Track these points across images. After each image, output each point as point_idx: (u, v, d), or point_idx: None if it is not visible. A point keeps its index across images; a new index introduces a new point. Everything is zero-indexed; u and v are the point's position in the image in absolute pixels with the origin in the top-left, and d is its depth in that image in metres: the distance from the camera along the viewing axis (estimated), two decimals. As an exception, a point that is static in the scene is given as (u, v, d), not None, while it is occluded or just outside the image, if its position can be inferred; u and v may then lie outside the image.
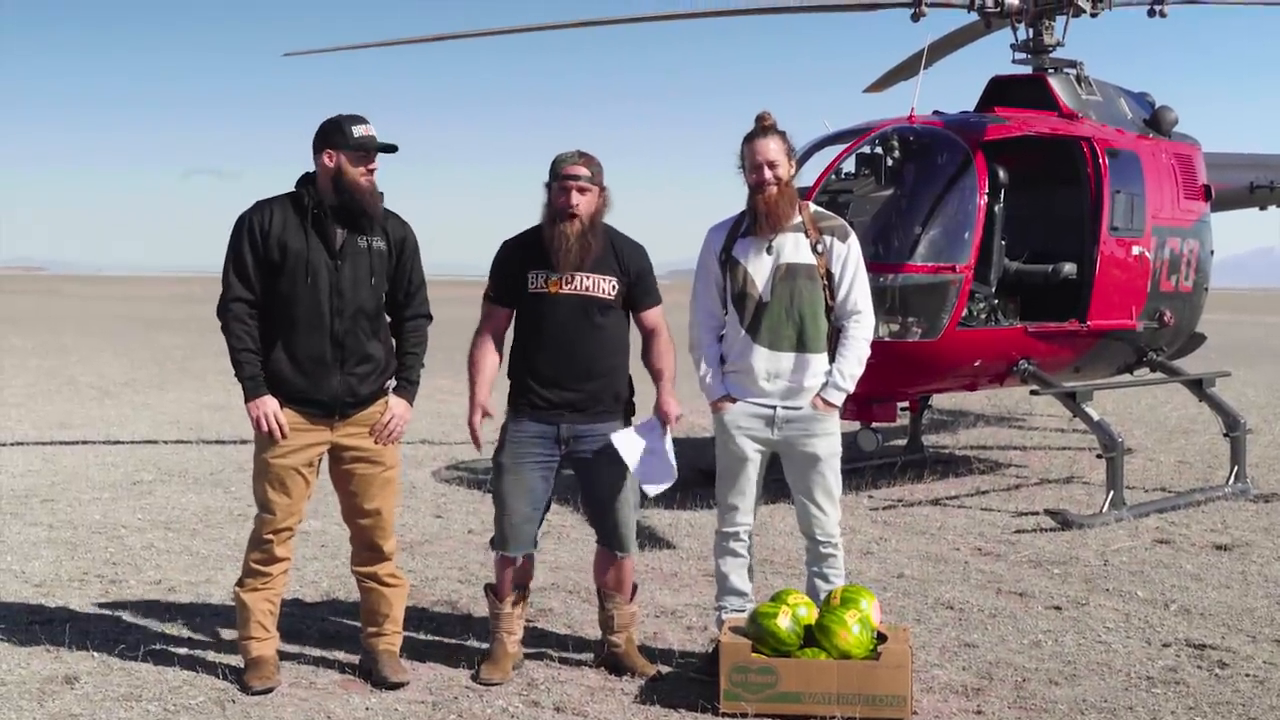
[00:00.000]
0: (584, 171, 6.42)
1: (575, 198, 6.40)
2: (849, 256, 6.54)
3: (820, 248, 6.51)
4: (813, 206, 6.78)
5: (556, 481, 6.69)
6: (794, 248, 6.51)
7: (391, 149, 6.38)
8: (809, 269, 6.49)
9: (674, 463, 6.63)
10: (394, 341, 6.56)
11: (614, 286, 6.51)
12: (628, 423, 6.65)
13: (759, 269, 6.52)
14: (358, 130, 6.28)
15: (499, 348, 6.69)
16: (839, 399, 6.55)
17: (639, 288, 6.60)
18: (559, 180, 6.44)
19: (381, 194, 6.43)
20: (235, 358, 6.29)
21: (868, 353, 6.61)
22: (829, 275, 6.52)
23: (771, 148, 6.49)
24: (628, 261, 6.56)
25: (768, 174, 6.47)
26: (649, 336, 6.67)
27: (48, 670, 6.54)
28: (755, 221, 6.54)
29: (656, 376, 6.65)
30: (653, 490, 6.67)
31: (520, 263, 6.56)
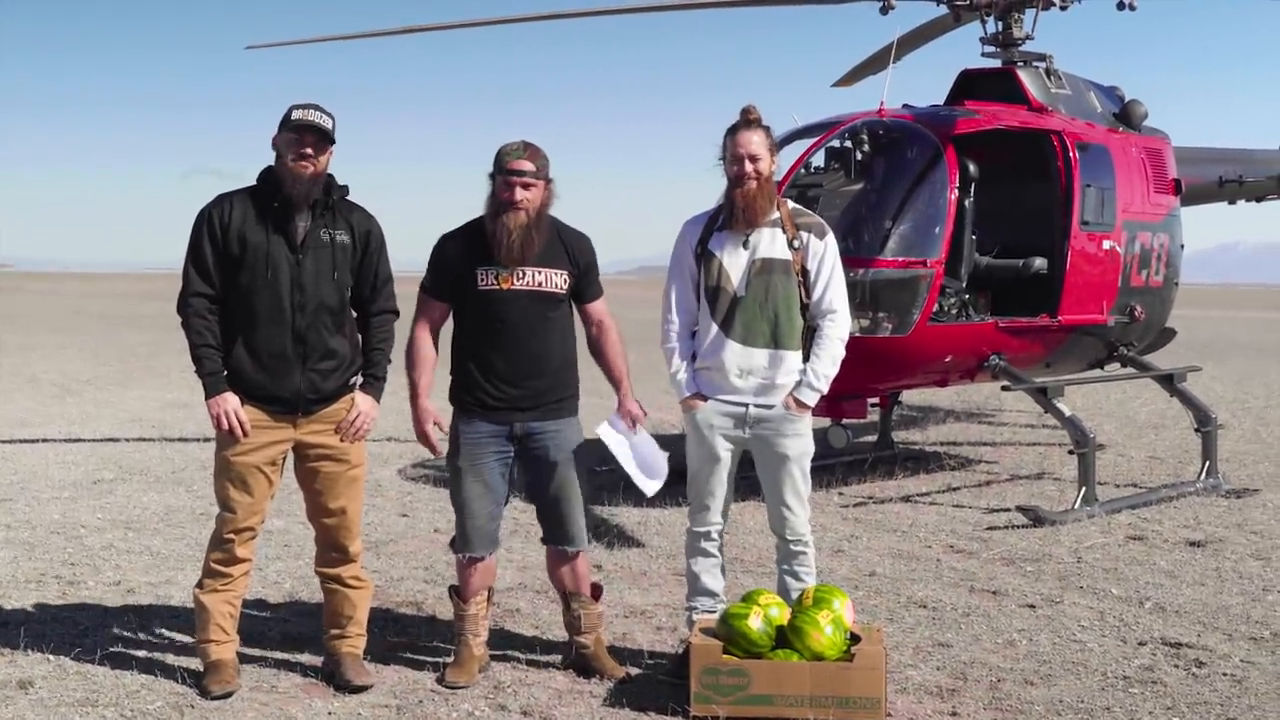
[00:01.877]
0: (529, 166, 6.26)
1: (520, 193, 6.25)
2: (826, 254, 6.45)
3: (797, 244, 6.42)
4: (790, 203, 6.68)
5: (517, 478, 6.59)
6: (770, 243, 6.41)
7: (326, 134, 6.14)
8: (785, 264, 6.40)
9: (663, 458, 6.60)
10: (359, 337, 6.43)
11: (565, 280, 6.40)
12: (574, 415, 6.55)
13: (734, 263, 6.41)
14: (297, 114, 6.15)
15: (436, 342, 6.54)
16: (812, 399, 6.45)
17: (585, 279, 6.51)
18: (504, 175, 6.28)
19: (345, 188, 6.30)
20: (195, 354, 6.17)
21: (842, 353, 6.51)
22: (805, 272, 6.43)
23: (755, 141, 6.39)
24: (577, 254, 6.46)
25: (748, 168, 6.37)
26: (598, 330, 6.57)
27: (1, 674, 6.38)
28: (732, 215, 6.44)
29: (615, 380, 6.56)
30: (651, 488, 6.58)
31: (465, 258, 6.39)
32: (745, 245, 6.42)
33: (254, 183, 6.29)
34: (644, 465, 6.62)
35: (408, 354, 6.51)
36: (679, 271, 6.62)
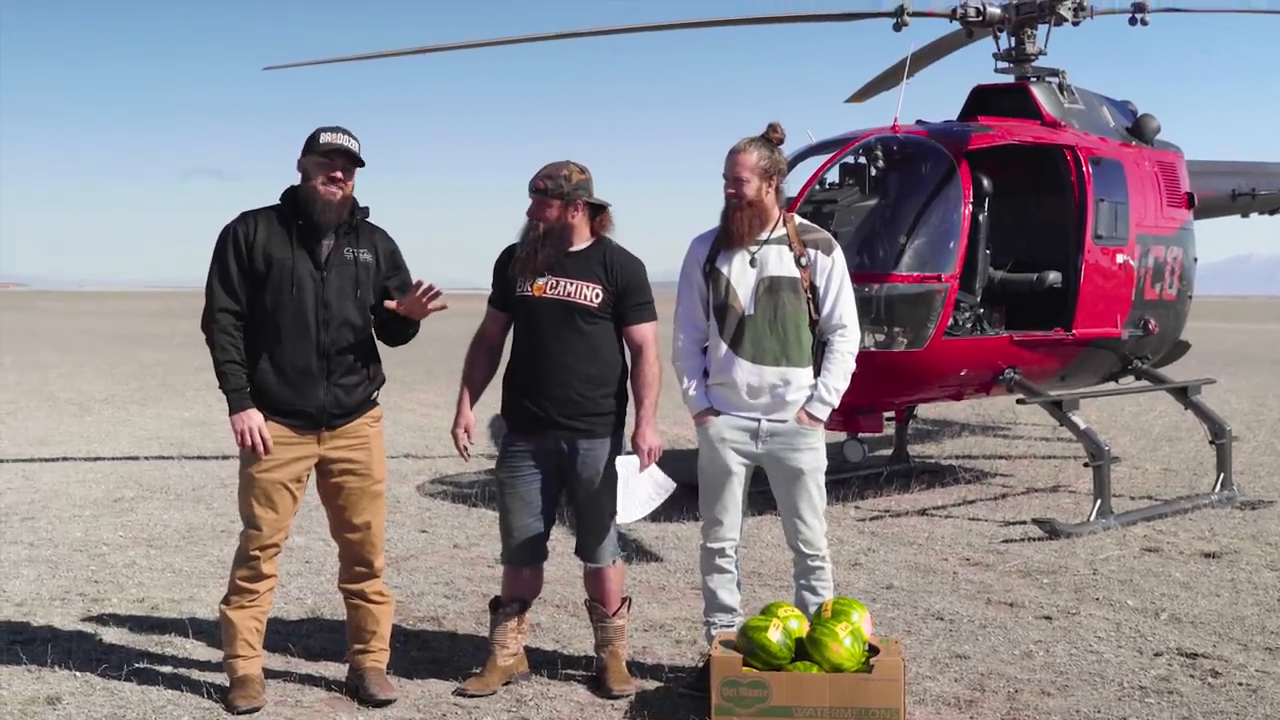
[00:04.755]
0: (541, 185, 6.46)
1: (535, 210, 6.47)
2: (833, 270, 6.49)
3: (804, 261, 6.46)
4: (797, 218, 6.70)
5: (559, 490, 6.65)
6: (778, 260, 6.46)
7: (355, 157, 6.27)
8: (793, 282, 6.45)
9: (653, 492, 6.61)
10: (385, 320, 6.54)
11: (598, 295, 6.45)
12: (618, 438, 6.61)
13: (742, 282, 6.47)
14: (325, 137, 6.22)
15: (493, 353, 6.74)
16: (824, 413, 6.51)
17: (626, 302, 6.53)
18: (530, 194, 6.51)
19: (366, 209, 6.39)
20: (221, 369, 6.21)
21: (853, 367, 6.56)
22: (813, 289, 6.47)
23: (745, 163, 6.42)
24: (616, 273, 6.51)
25: (732, 190, 6.45)
26: (635, 355, 6.60)
27: (29, 691, 6.45)
28: (724, 233, 6.53)
29: (637, 404, 6.60)
30: (627, 516, 6.61)
31: (511, 265, 6.60)
32: (752, 264, 6.47)
33: (278, 202, 6.35)
34: (631, 494, 6.60)
35: (463, 368, 6.75)
36: (688, 288, 6.68)
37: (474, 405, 6.70)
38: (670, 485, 6.69)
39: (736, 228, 6.46)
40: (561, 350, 6.44)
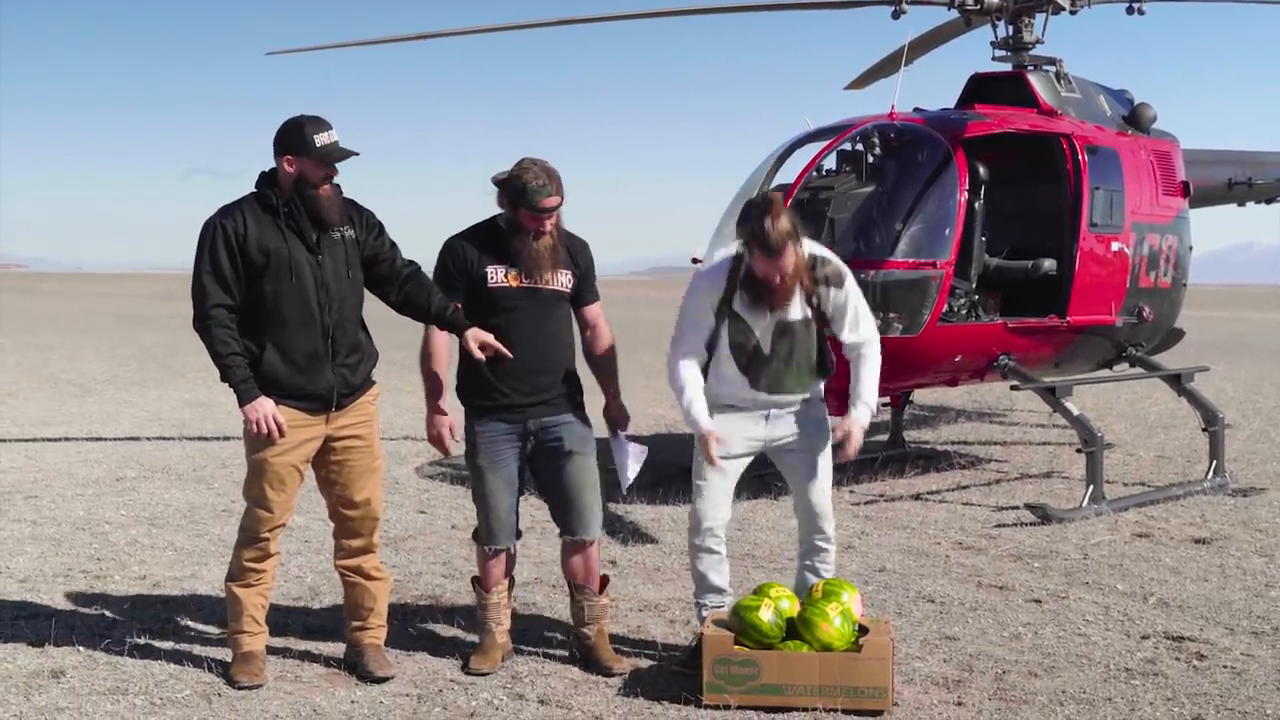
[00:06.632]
0: (556, 201, 6.47)
1: (548, 224, 6.52)
2: (848, 300, 6.58)
3: (815, 300, 6.54)
4: (807, 246, 6.54)
5: (530, 475, 6.80)
6: (793, 304, 6.53)
7: (352, 154, 6.36)
8: (804, 322, 6.56)
9: (635, 458, 6.86)
10: (414, 303, 6.57)
11: (569, 280, 6.66)
12: (584, 412, 6.78)
13: (759, 324, 6.53)
14: (320, 138, 6.24)
15: (450, 342, 6.73)
16: (866, 417, 6.64)
17: (585, 283, 6.77)
18: (534, 211, 6.44)
19: (338, 186, 6.39)
20: (223, 363, 6.22)
21: (880, 365, 6.73)
22: (822, 315, 6.59)
23: (787, 265, 6.34)
24: (578, 256, 6.74)
25: (781, 282, 6.41)
26: (593, 333, 6.84)
27: (33, 664, 6.57)
28: (756, 296, 6.48)
29: (605, 377, 6.83)
30: (626, 483, 6.89)
31: (479, 258, 6.60)
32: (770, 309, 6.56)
33: (254, 189, 6.38)
34: (626, 466, 6.90)
35: (422, 354, 6.77)
36: (693, 323, 6.66)
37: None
38: (643, 449, 6.91)
39: (780, 303, 6.47)
40: (545, 338, 6.59)
